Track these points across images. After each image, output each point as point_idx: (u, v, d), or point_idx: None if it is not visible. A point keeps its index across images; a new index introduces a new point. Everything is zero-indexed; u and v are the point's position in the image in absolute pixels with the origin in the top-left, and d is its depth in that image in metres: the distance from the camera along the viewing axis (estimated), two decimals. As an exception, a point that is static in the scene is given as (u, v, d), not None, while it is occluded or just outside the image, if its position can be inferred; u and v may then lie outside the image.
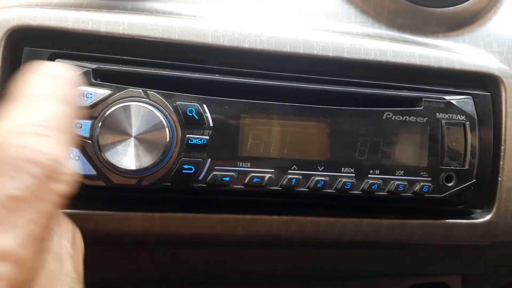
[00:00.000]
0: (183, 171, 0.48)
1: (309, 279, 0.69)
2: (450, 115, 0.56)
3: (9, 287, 0.25)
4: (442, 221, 0.59)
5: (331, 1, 0.59)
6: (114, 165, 0.45)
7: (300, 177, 0.52)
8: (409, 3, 0.59)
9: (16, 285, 0.25)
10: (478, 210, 0.60)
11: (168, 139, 0.47)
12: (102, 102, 0.46)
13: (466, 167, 0.56)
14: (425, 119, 0.55)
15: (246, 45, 0.52)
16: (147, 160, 0.46)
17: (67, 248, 0.35)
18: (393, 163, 0.54)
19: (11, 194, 0.26)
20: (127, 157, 0.45)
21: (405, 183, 0.54)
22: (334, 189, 0.53)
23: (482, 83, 0.60)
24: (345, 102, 0.53)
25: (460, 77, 0.59)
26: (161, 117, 0.46)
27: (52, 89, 0.33)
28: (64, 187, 0.29)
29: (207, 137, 0.49)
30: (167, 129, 0.46)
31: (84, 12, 0.49)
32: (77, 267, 0.36)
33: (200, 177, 0.49)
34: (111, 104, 0.46)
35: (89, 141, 0.45)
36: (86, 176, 0.46)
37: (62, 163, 0.29)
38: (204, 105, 0.49)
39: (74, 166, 0.31)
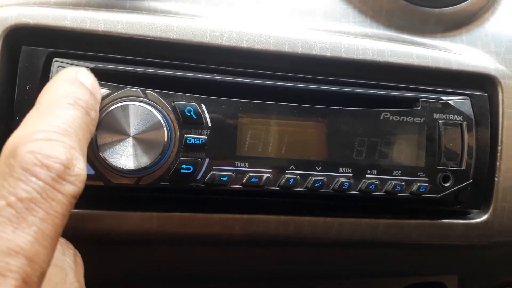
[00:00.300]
0: (181, 170, 0.48)
1: (307, 278, 0.70)
2: (447, 115, 0.56)
3: (21, 280, 0.27)
4: (439, 221, 0.59)
5: (329, 1, 0.59)
6: (112, 165, 0.45)
7: (298, 177, 0.52)
8: (407, 3, 0.59)
9: (27, 278, 0.28)
10: (475, 210, 0.61)
11: (166, 139, 0.46)
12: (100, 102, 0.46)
13: (463, 167, 0.56)
14: (423, 119, 0.55)
15: (244, 44, 0.52)
16: (145, 160, 0.46)
17: (69, 263, 0.40)
18: (391, 163, 0.54)
19: (20, 196, 0.29)
20: (125, 156, 0.45)
21: (402, 183, 0.54)
22: (331, 189, 0.53)
23: (480, 83, 0.60)
24: (343, 102, 0.54)
25: (458, 78, 0.59)
26: (159, 117, 0.46)
27: (68, 94, 0.37)
28: (72, 188, 0.32)
29: (205, 137, 0.49)
30: (165, 128, 0.46)
31: (83, 11, 0.49)
32: (79, 279, 0.40)
33: (198, 177, 0.49)
34: (109, 103, 0.46)
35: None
36: (84, 176, 0.46)
37: (70, 166, 0.32)
38: (202, 105, 0.49)
39: (84, 168, 0.34)
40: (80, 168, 0.33)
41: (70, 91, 0.37)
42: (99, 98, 0.41)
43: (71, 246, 0.42)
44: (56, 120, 0.34)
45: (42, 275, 0.29)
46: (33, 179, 0.30)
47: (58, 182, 0.31)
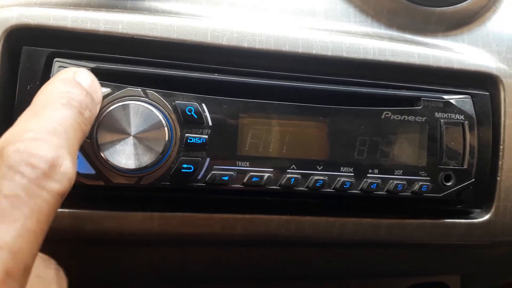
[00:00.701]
0: (182, 170, 0.48)
1: (308, 279, 0.69)
2: (449, 114, 0.56)
3: (4, 273, 0.27)
4: (441, 220, 0.59)
5: (330, 0, 0.59)
6: (113, 165, 0.45)
7: (299, 176, 0.52)
8: (409, 2, 0.59)
9: (10, 271, 0.28)
10: (477, 210, 0.60)
11: (167, 138, 0.46)
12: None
13: (465, 166, 0.56)
14: (424, 118, 0.55)
15: (245, 44, 0.52)
16: (146, 159, 0.46)
17: (52, 275, 0.40)
18: (392, 163, 0.54)
19: (4, 193, 0.30)
20: (126, 156, 0.45)
21: (404, 182, 0.54)
22: (333, 189, 0.53)
23: (481, 82, 0.60)
24: (344, 101, 0.53)
25: (459, 77, 0.59)
26: (160, 116, 0.46)
27: (61, 95, 0.37)
28: (57, 186, 0.32)
29: (206, 136, 0.49)
30: (166, 128, 0.46)
31: (83, 11, 0.49)
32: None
33: (199, 177, 0.49)
34: (110, 103, 0.46)
35: (88, 140, 0.45)
36: (85, 176, 0.46)
37: (56, 164, 0.32)
38: (203, 104, 0.49)
39: (72, 167, 0.33)
40: (67, 166, 0.33)
41: (64, 91, 0.37)
42: (97, 98, 0.41)
43: (53, 261, 0.43)
44: (46, 120, 0.34)
45: (26, 270, 0.30)
46: (18, 177, 0.30)
47: (43, 180, 0.31)
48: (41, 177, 0.31)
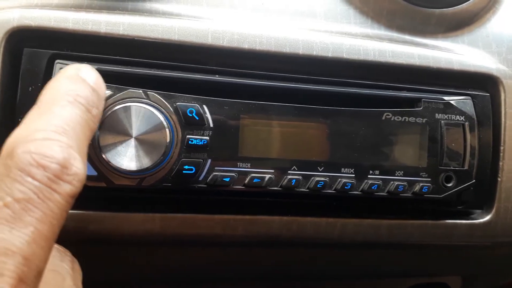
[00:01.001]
0: (184, 171, 0.48)
1: (309, 279, 0.69)
2: (450, 115, 0.56)
3: (18, 278, 0.28)
4: (442, 221, 0.59)
5: (331, 1, 0.59)
6: (115, 166, 0.45)
7: (300, 177, 0.52)
8: (408, 3, 0.59)
9: (24, 277, 0.28)
10: (478, 211, 0.61)
11: (168, 140, 0.47)
12: None
13: (466, 167, 0.56)
14: (425, 119, 0.55)
15: (245, 46, 0.52)
16: (147, 161, 0.46)
17: (67, 269, 0.40)
18: (393, 164, 0.54)
19: (16, 196, 0.29)
20: (128, 158, 0.45)
21: (405, 183, 0.54)
22: (334, 190, 0.53)
23: (481, 83, 0.60)
24: (344, 102, 0.54)
25: (459, 78, 0.59)
26: (162, 118, 0.46)
27: (68, 92, 0.36)
28: (69, 188, 0.32)
29: (207, 138, 0.49)
30: (167, 129, 0.47)
31: (84, 13, 0.49)
32: (76, 283, 0.40)
33: (201, 178, 0.49)
34: (111, 105, 0.46)
35: (90, 142, 0.45)
36: (87, 177, 0.46)
37: (67, 165, 0.32)
38: (204, 106, 0.49)
39: (82, 167, 0.33)
40: (78, 167, 0.33)
41: (71, 88, 0.37)
42: (102, 94, 0.40)
43: (68, 253, 0.42)
44: (55, 119, 0.34)
45: (39, 274, 0.30)
46: (29, 179, 0.30)
47: (55, 182, 0.31)
48: (53, 179, 0.31)
